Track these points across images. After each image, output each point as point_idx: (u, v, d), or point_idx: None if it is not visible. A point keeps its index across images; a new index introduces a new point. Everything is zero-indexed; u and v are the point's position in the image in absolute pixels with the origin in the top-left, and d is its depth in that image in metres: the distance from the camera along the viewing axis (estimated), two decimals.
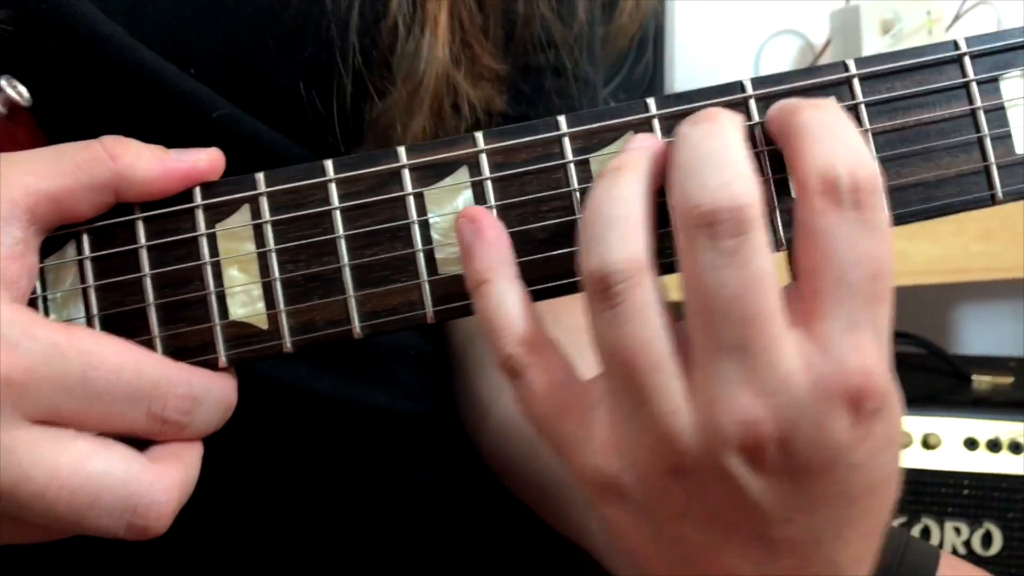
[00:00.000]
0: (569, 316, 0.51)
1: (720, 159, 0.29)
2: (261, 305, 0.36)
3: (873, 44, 1.25)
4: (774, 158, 0.33)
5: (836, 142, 0.30)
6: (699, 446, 0.30)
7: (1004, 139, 0.33)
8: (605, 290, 0.30)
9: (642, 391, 0.30)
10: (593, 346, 0.32)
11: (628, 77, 1.17)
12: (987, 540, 1.13)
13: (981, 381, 1.20)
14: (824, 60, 1.44)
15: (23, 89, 0.40)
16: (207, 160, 0.37)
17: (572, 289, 0.35)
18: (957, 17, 1.40)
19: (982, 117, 0.33)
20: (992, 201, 0.32)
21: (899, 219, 0.33)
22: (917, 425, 1.12)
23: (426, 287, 0.36)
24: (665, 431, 0.30)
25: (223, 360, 0.36)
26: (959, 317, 1.49)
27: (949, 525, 1.13)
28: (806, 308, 0.30)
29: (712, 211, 0.29)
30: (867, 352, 0.29)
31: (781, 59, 1.47)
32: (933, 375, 1.22)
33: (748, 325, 0.29)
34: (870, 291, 0.29)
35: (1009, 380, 1.20)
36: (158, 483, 0.33)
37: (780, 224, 0.33)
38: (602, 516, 0.33)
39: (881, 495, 0.32)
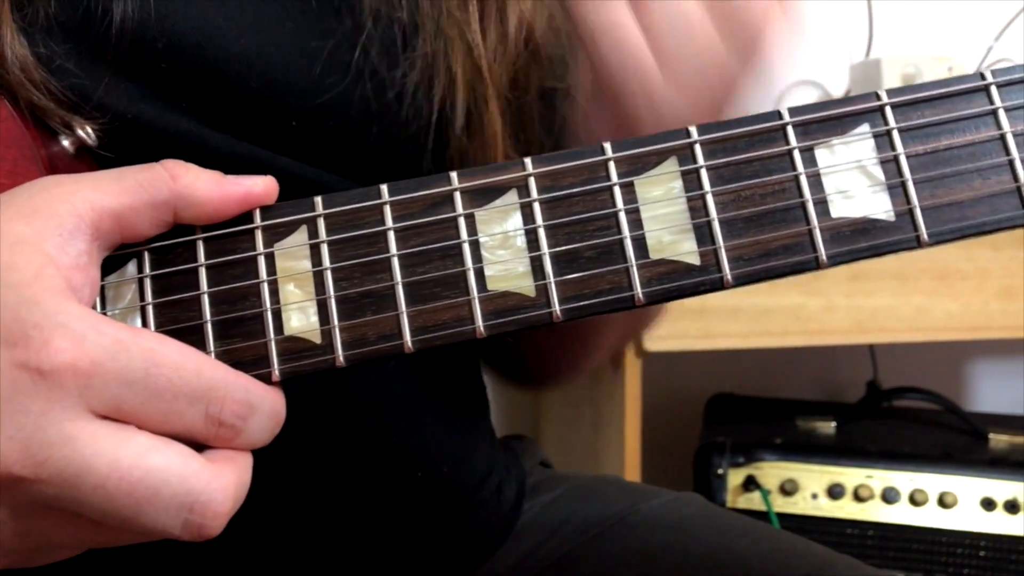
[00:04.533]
0: None
1: None
2: (315, 320, 0.37)
3: None
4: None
5: None
6: None
7: None
8: None
9: None
10: None
11: None
12: None
13: (998, 440, 1.20)
14: None
15: (91, 131, 0.43)
16: (263, 185, 0.38)
17: (618, 305, 0.37)
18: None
19: (1011, 140, 0.35)
20: None
21: (935, 237, 0.35)
22: (933, 483, 1.11)
23: (476, 303, 0.37)
24: None
25: (276, 374, 0.37)
26: (976, 374, 1.49)
27: None
28: None
29: None
30: None
31: None
32: (949, 432, 1.22)
33: None
34: None
35: None
36: (215, 482, 0.34)
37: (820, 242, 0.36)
38: None
39: None
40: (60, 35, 0.43)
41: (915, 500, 1.12)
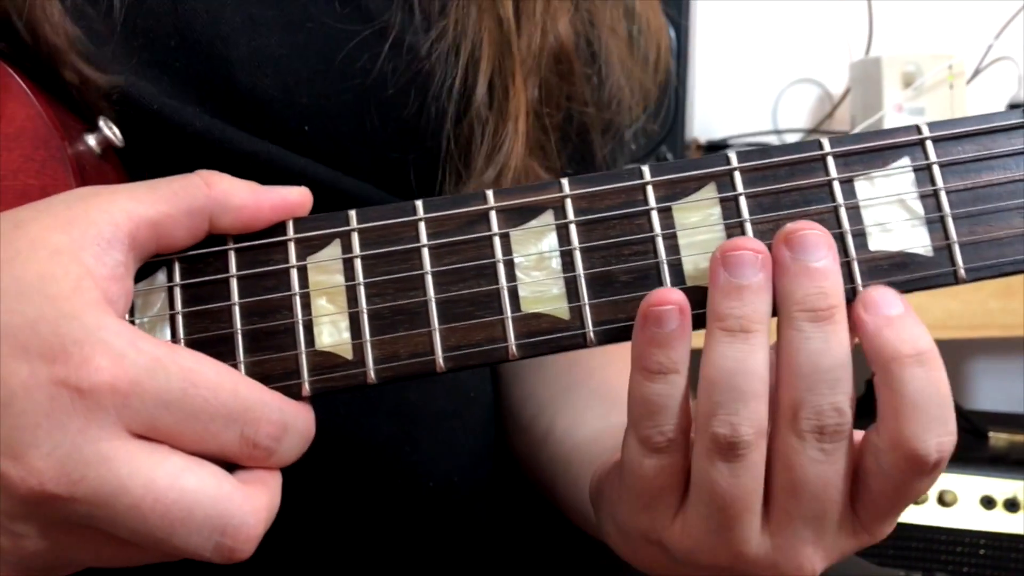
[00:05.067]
0: (604, 372, 0.53)
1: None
2: (347, 335, 0.37)
3: (893, 96, 1.27)
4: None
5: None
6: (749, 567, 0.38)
7: None
8: (731, 450, 0.35)
9: (731, 520, 0.36)
10: (699, 479, 0.36)
11: (648, 123, 1.20)
12: None
13: (998, 438, 1.21)
14: (842, 110, 1.46)
15: (117, 131, 0.42)
16: (297, 193, 0.38)
17: None
18: (978, 72, 1.42)
19: None
20: None
21: (972, 273, 0.35)
22: None
23: (509, 323, 0.37)
24: (738, 549, 0.37)
25: (307, 388, 0.37)
26: (975, 372, 1.50)
27: None
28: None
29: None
30: None
31: (799, 107, 1.49)
32: None
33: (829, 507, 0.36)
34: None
35: None
36: (247, 505, 0.34)
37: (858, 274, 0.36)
38: (641, 553, 0.40)
39: None
40: (88, 12, 0.43)
41: None
